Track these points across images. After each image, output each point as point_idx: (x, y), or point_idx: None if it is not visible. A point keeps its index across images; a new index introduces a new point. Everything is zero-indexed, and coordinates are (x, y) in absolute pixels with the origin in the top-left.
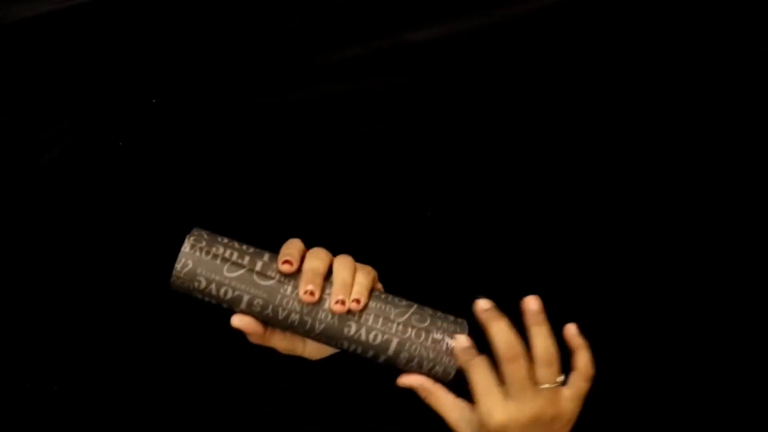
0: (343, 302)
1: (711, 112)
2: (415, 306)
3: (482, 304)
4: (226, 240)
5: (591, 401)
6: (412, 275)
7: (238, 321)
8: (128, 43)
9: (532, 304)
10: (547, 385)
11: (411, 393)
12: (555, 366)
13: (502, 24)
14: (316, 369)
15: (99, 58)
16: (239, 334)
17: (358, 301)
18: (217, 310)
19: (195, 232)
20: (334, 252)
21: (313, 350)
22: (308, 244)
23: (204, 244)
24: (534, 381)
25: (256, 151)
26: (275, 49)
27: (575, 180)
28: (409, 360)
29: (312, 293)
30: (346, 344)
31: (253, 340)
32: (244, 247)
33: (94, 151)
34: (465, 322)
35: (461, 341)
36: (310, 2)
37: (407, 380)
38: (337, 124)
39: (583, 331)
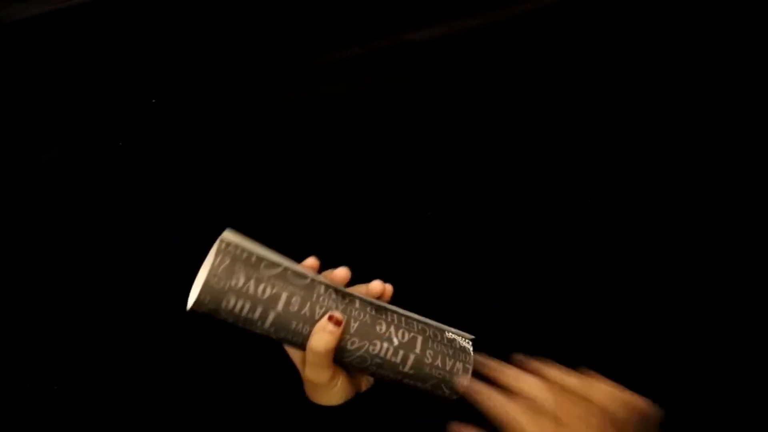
0: (381, 282)
1: (711, 112)
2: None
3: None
4: (257, 243)
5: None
6: (412, 275)
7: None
8: (128, 43)
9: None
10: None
11: None
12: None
13: (502, 24)
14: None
15: (99, 58)
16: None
17: (387, 291)
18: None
19: (227, 232)
20: (333, 251)
21: (341, 389)
22: (309, 244)
23: (238, 241)
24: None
25: (256, 151)
26: (275, 49)
27: (575, 179)
28: (434, 357)
29: (347, 269)
30: (378, 345)
31: (335, 336)
32: (273, 251)
33: (94, 151)
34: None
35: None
36: (310, 2)
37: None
38: (337, 124)
39: (582, 329)
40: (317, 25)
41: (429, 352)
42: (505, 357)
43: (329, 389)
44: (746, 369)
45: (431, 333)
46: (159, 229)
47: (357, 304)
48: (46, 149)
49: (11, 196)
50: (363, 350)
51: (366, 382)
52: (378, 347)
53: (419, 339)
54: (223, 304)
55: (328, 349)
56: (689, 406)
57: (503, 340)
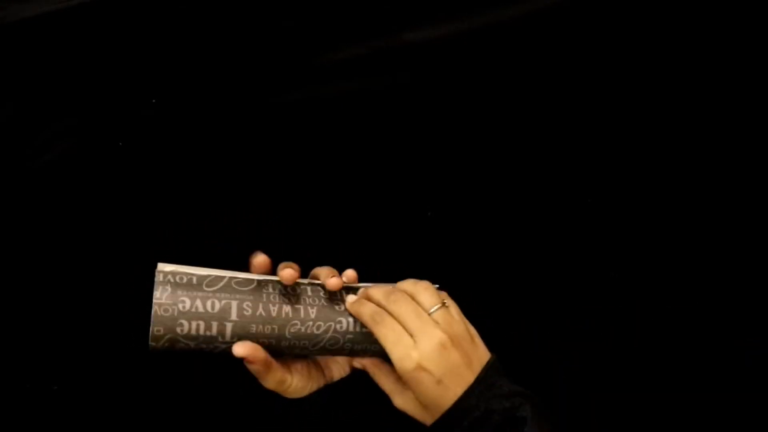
0: (336, 275)
1: (711, 112)
2: None
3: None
4: (192, 267)
5: (589, 401)
6: (412, 275)
7: (240, 349)
8: (128, 43)
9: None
10: (435, 307)
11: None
12: (432, 289)
13: (502, 24)
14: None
15: (99, 58)
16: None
17: (348, 275)
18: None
19: (161, 264)
20: (334, 252)
21: (298, 385)
22: (308, 244)
23: (174, 270)
24: (423, 310)
25: (256, 151)
26: (275, 49)
27: (575, 179)
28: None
29: (292, 268)
30: (344, 321)
31: (258, 368)
32: (211, 269)
33: (94, 152)
34: None
35: (350, 298)
36: (310, 2)
37: (361, 362)
38: (337, 124)
39: (582, 329)
40: (317, 25)
41: None
42: (505, 354)
43: (284, 391)
44: (745, 370)
45: None
46: (159, 229)
47: (309, 291)
48: (46, 149)
49: (11, 197)
50: (331, 331)
51: (339, 371)
52: (344, 323)
53: None
54: (179, 330)
55: (255, 371)
56: (687, 405)
57: (502, 338)
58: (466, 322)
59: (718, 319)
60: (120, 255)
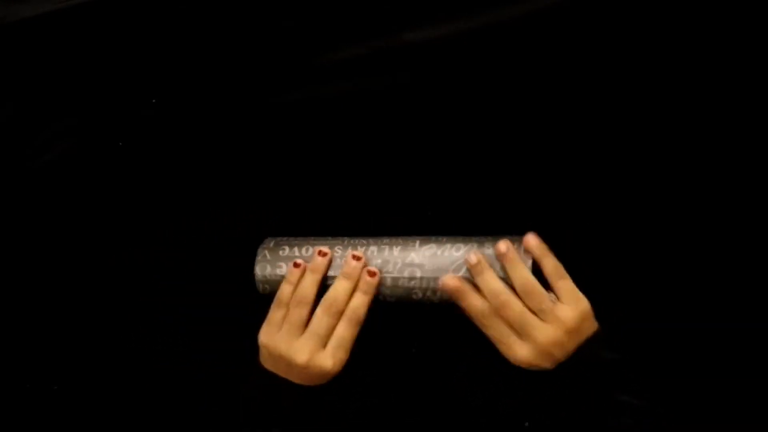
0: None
1: (711, 112)
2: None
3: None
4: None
5: (593, 397)
6: None
7: (451, 281)
8: (128, 43)
9: (502, 246)
10: (543, 306)
11: None
12: (537, 290)
13: (502, 24)
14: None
15: (99, 58)
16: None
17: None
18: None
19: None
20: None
21: None
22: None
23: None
24: (532, 313)
25: (256, 151)
26: (275, 49)
27: (575, 180)
28: None
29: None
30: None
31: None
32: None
33: (94, 152)
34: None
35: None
36: (310, 2)
37: (450, 281)
38: (337, 124)
39: None
40: (317, 25)
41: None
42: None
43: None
44: (745, 369)
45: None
46: (159, 229)
47: (388, 281)
48: (46, 149)
49: (11, 197)
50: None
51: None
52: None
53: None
54: (278, 272)
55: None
56: (691, 402)
57: None
58: (579, 299)
59: (718, 321)
60: (120, 255)
